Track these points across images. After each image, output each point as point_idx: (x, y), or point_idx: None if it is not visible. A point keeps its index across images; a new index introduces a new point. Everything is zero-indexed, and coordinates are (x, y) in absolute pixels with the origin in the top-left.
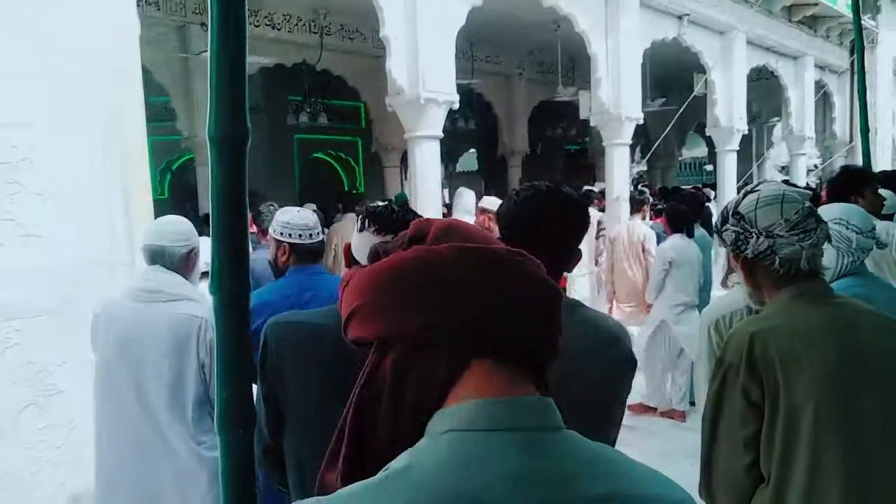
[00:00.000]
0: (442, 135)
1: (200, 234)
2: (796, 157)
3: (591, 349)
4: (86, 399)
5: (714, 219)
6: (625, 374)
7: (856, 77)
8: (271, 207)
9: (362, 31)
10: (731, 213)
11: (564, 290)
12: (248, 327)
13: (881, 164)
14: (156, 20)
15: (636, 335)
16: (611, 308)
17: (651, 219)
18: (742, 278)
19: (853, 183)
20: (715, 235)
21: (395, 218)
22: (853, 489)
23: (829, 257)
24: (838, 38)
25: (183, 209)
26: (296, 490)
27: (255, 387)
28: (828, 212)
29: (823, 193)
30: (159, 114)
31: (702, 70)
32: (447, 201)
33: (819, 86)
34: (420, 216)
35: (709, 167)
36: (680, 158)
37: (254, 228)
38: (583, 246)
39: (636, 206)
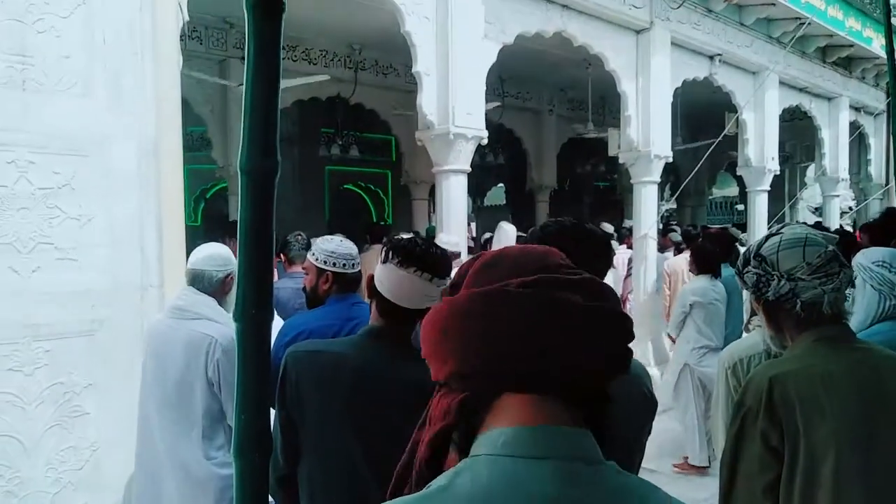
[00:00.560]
0: (470, 169)
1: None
2: (829, 199)
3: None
4: (110, 422)
5: None
6: (647, 411)
7: (891, 120)
8: (299, 237)
9: (395, 66)
10: (752, 255)
11: None
12: (270, 355)
13: None
14: (198, 53)
15: (657, 377)
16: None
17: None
18: (764, 321)
19: (893, 225)
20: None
21: (417, 251)
22: None
23: (871, 301)
24: (874, 80)
25: (215, 236)
26: None
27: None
28: (871, 255)
29: (858, 235)
30: (196, 143)
31: (733, 109)
32: (474, 234)
33: (854, 127)
34: (443, 250)
35: (740, 206)
36: (710, 197)
37: (280, 257)
38: (609, 282)
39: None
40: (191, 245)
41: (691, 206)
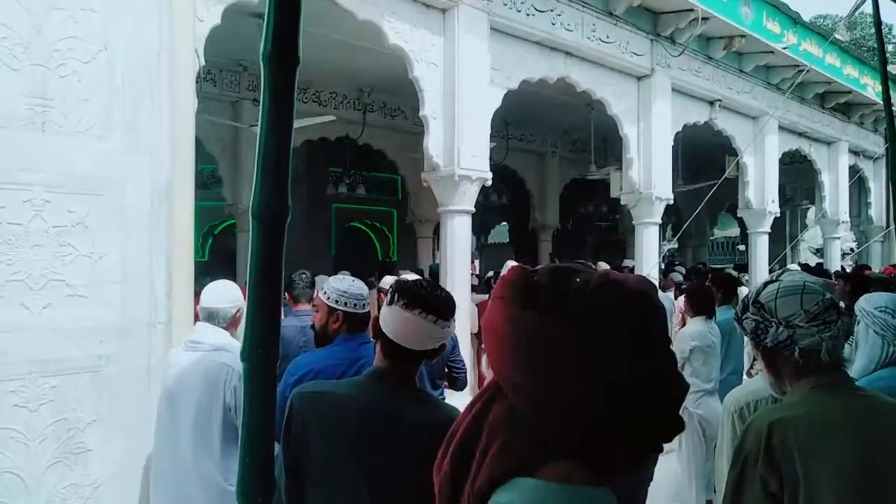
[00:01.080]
0: (474, 210)
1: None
2: (830, 241)
3: None
4: (112, 458)
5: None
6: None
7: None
8: (303, 276)
9: (403, 108)
10: (751, 301)
11: None
12: (276, 395)
13: None
14: (212, 95)
15: None
16: None
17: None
18: (763, 367)
19: (863, 281)
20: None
21: (423, 293)
22: None
23: (874, 346)
24: (872, 125)
25: (222, 272)
26: None
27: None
28: (874, 300)
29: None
30: (206, 180)
31: (734, 152)
32: (477, 272)
33: (854, 170)
34: (447, 292)
35: (742, 247)
36: (712, 238)
37: (285, 296)
38: None
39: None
40: (199, 281)
41: (693, 247)
